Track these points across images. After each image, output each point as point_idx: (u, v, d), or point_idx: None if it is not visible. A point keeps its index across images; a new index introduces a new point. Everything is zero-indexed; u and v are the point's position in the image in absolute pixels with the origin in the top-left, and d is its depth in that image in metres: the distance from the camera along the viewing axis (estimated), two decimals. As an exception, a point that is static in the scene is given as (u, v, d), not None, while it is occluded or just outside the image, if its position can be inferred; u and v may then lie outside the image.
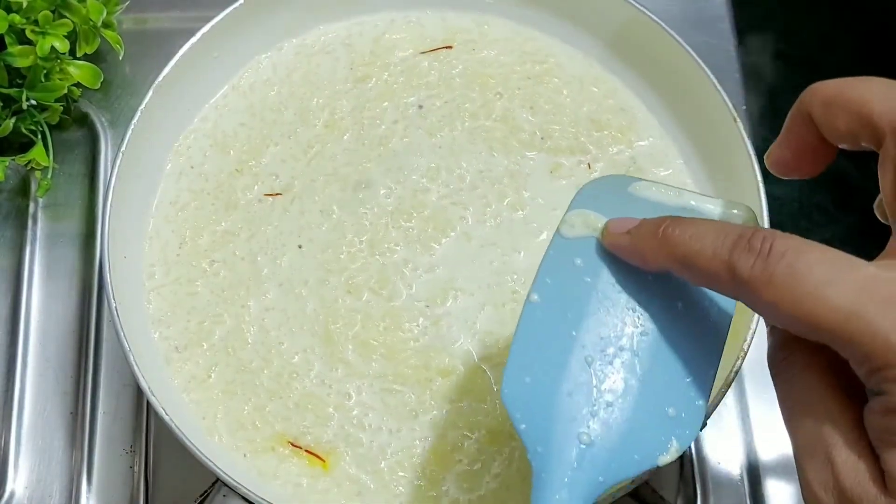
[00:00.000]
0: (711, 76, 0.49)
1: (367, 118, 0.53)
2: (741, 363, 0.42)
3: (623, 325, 0.33)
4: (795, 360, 0.28)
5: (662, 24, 0.50)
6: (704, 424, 0.32)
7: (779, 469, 0.52)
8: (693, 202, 0.35)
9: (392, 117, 0.53)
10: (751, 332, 0.43)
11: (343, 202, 0.51)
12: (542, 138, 0.52)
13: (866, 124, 0.29)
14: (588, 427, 0.31)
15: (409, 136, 0.52)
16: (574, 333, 0.32)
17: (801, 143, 0.32)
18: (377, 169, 0.51)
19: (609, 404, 0.32)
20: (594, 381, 0.32)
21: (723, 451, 0.52)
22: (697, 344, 0.33)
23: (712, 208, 0.35)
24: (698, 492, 0.51)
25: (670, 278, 0.32)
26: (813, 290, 0.25)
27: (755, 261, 0.26)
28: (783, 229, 0.38)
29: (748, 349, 0.43)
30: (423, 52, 0.55)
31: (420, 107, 0.53)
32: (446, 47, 0.55)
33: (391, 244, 0.49)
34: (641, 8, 0.51)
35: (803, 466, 0.27)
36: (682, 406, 0.32)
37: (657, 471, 0.41)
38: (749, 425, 0.53)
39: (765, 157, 0.34)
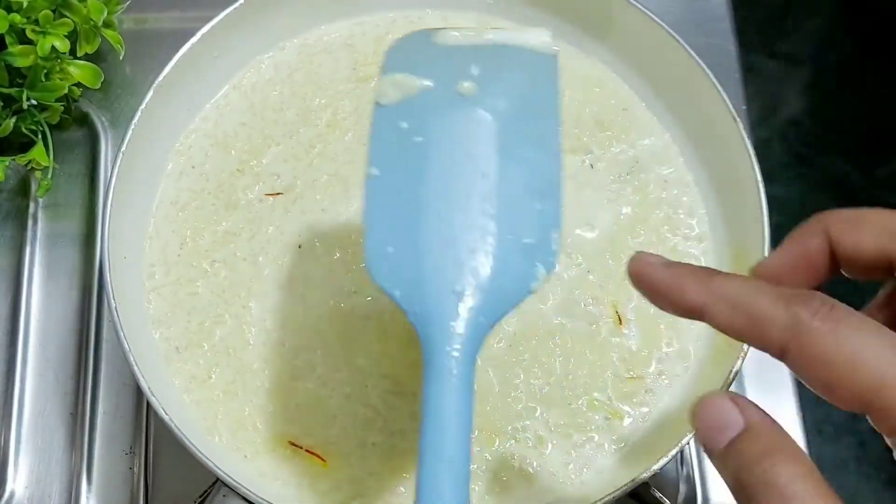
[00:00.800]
0: (711, 76, 0.49)
1: (368, 118, 0.53)
2: (741, 363, 0.43)
3: (464, 173, 0.34)
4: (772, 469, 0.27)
5: (663, 24, 0.50)
6: (559, 245, 0.33)
7: None
8: (493, 35, 0.37)
9: (393, 117, 0.53)
10: (751, 332, 0.43)
11: (346, 202, 0.51)
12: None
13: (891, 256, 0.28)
14: (456, 276, 0.33)
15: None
16: (421, 192, 0.34)
17: (803, 256, 0.30)
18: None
19: (470, 250, 0.33)
20: (452, 233, 0.33)
21: (723, 451, 0.52)
22: (537, 170, 0.34)
23: (515, 35, 0.37)
24: (698, 492, 0.51)
25: (496, 117, 0.34)
26: (874, 361, 0.25)
27: (819, 310, 0.26)
28: (783, 229, 0.38)
29: (748, 349, 0.43)
30: (424, 53, 0.55)
31: (421, 107, 0.53)
32: (447, 47, 0.55)
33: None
34: (642, 8, 0.51)
35: None
36: (539, 234, 0.33)
37: (657, 470, 0.41)
38: (749, 425, 0.53)
39: (755, 267, 0.32)
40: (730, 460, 0.28)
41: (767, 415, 0.28)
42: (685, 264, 0.30)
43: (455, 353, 0.32)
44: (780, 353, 0.27)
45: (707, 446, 0.29)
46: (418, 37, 0.39)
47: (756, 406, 0.29)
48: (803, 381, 0.27)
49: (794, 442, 0.28)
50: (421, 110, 0.35)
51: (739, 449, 0.28)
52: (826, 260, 0.30)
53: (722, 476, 0.28)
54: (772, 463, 0.27)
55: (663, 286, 0.30)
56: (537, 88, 0.36)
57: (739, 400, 0.29)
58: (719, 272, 0.29)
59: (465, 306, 0.32)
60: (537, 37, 0.37)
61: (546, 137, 0.34)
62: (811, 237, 0.30)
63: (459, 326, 0.32)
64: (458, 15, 0.56)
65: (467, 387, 0.32)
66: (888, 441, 0.26)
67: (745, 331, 0.28)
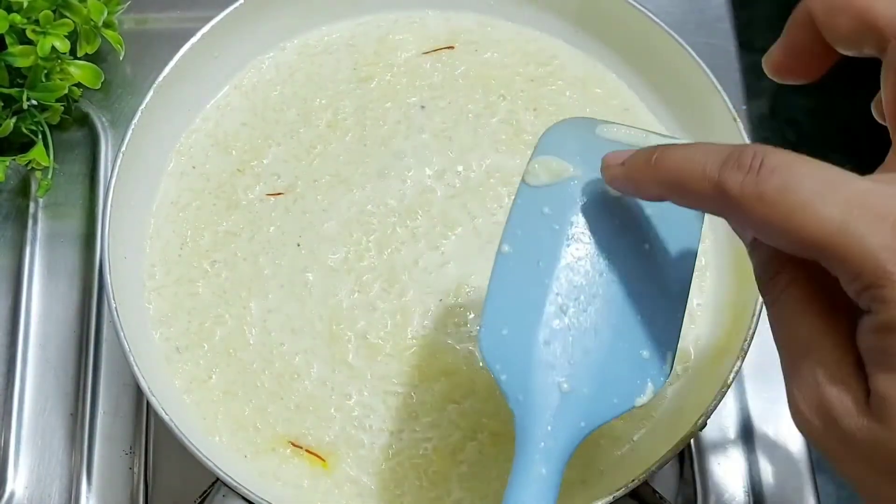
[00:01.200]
0: (711, 76, 0.49)
1: (370, 118, 0.53)
2: (741, 363, 0.43)
3: (594, 272, 0.33)
4: (781, 279, 0.27)
5: (663, 24, 0.50)
6: (672, 366, 0.33)
7: (779, 469, 0.52)
8: (656, 139, 0.36)
9: (395, 117, 0.53)
10: (750, 332, 0.43)
11: (346, 202, 0.51)
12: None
13: (869, 28, 0.28)
14: (566, 374, 0.32)
15: (412, 136, 0.52)
16: (547, 282, 0.33)
17: (801, 46, 0.31)
18: (381, 169, 0.51)
19: (585, 350, 0.32)
20: (570, 329, 0.32)
21: (723, 451, 0.52)
22: (665, 286, 0.33)
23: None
24: (698, 492, 0.51)
25: (637, 222, 0.33)
26: (803, 204, 0.24)
27: (745, 177, 0.25)
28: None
29: (748, 349, 0.43)
30: (425, 53, 0.55)
31: (423, 107, 0.53)
32: (448, 48, 0.55)
33: (398, 243, 0.49)
34: (643, 9, 0.51)
35: (789, 384, 0.27)
36: (655, 348, 0.32)
37: (657, 470, 0.41)
38: (749, 425, 0.53)
39: (763, 60, 0.33)
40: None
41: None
42: (639, 152, 0.30)
43: (548, 451, 0.31)
44: (726, 217, 0.27)
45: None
46: (582, 123, 0.38)
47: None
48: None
49: None
50: (567, 199, 0.34)
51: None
52: (819, 44, 0.30)
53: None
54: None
55: (622, 183, 0.31)
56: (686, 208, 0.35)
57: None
58: (666, 147, 0.29)
59: (569, 406, 0.32)
60: None
61: (682, 257, 0.34)
62: (803, 28, 0.30)
63: (557, 425, 0.32)
64: (459, 15, 0.56)
65: (553, 487, 0.31)
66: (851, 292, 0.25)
67: (697, 207, 0.29)
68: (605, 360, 0.32)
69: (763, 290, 0.28)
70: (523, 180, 0.35)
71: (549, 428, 0.32)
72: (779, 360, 0.28)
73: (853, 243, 0.24)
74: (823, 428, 0.25)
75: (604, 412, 0.32)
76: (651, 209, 0.34)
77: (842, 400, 0.25)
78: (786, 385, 0.27)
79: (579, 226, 0.34)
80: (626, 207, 0.34)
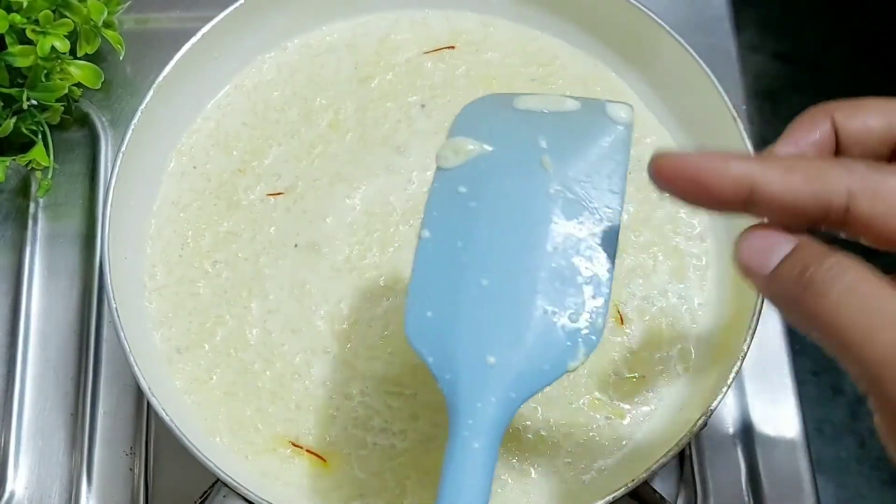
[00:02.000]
0: (711, 76, 0.49)
1: (370, 118, 0.53)
2: (741, 363, 0.43)
3: (513, 243, 0.33)
4: (833, 264, 0.26)
5: (664, 24, 0.50)
6: (604, 325, 0.33)
7: (780, 469, 0.52)
8: (571, 104, 0.36)
9: (396, 117, 0.53)
10: (751, 332, 0.43)
11: (347, 202, 0.51)
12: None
13: None
14: (492, 348, 0.32)
15: (413, 135, 0.52)
16: (466, 260, 0.33)
17: (809, 143, 0.29)
18: (382, 168, 0.51)
19: (510, 322, 0.32)
20: (491, 302, 0.32)
21: (723, 451, 0.52)
22: (589, 249, 0.33)
23: (593, 104, 0.36)
24: (698, 492, 0.51)
25: (553, 184, 0.33)
26: (865, 326, 0.25)
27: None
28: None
29: (748, 349, 0.43)
30: (426, 53, 0.55)
31: (423, 106, 0.53)
32: (449, 48, 0.55)
33: (401, 242, 0.49)
34: (643, 8, 0.51)
35: (877, 392, 0.25)
36: (583, 313, 0.32)
37: (657, 470, 0.41)
38: (749, 425, 0.53)
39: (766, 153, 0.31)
40: (783, 275, 0.27)
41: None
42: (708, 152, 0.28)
43: (480, 426, 0.31)
44: (844, 204, 0.26)
45: (752, 271, 0.28)
46: (500, 99, 0.38)
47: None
48: (866, 236, 0.27)
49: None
50: (481, 175, 0.34)
51: (793, 261, 0.27)
52: (833, 146, 0.29)
53: (773, 302, 0.28)
54: (836, 259, 0.26)
55: (698, 172, 0.27)
56: (605, 162, 0.34)
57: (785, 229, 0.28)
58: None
59: (497, 379, 0.32)
60: (617, 111, 0.35)
61: (606, 215, 0.33)
62: (817, 123, 0.29)
63: (488, 399, 0.31)
64: (460, 15, 0.56)
65: (489, 461, 0.31)
66: None
67: (805, 186, 0.26)
68: (531, 329, 0.32)
69: (811, 303, 0.27)
70: (437, 164, 0.35)
71: (479, 404, 0.31)
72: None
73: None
74: None
75: (535, 381, 0.32)
76: (570, 170, 0.34)
77: None
78: (871, 400, 0.26)
79: (496, 199, 0.34)
80: (542, 176, 0.34)
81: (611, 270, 0.33)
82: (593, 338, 0.32)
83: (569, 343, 0.32)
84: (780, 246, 0.28)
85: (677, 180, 0.28)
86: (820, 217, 0.27)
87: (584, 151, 0.34)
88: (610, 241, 0.33)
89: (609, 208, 0.33)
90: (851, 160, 0.27)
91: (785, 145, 0.29)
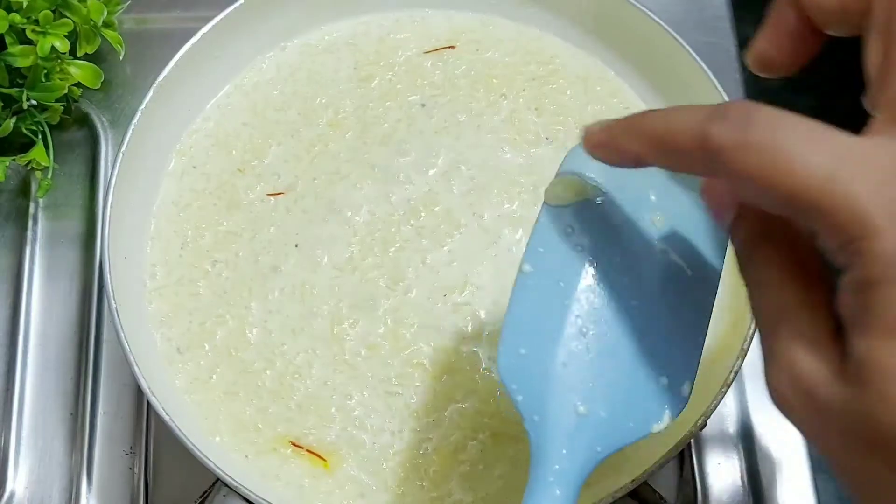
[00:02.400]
0: (711, 76, 0.49)
1: (370, 117, 0.53)
2: (741, 363, 0.43)
3: (615, 294, 0.33)
4: (760, 254, 0.27)
5: (663, 23, 0.50)
6: (691, 394, 0.32)
7: (779, 469, 0.52)
8: None
9: (396, 116, 0.53)
10: (750, 332, 0.43)
11: (347, 201, 0.51)
12: (546, 139, 0.52)
13: None
14: (583, 397, 0.32)
15: (413, 134, 0.52)
16: (567, 303, 0.32)
17: (785, 32, 0.29)
18: (383, 167, 0.51)
19: (603, 374, 0.32)
20: (588, 351, 0.32)
21: (723, 451, 0.52)
22: (687, 312, 0.33)
23: None
24: (698, 492, 0.51)
25: (662, 244, 0.32)
26: (789, 153, 0.23)
27: (730, 127, 0.25)
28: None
29: (748, 349, 0.43)
30: (426, 52, 0.55)
31: (423, 105, 0.53)
32: (449, 47, 0.55)
33: (403, 242, 0.49)
34: (643, 8, 0.51)
35: (766, 361, 0.26)
36: (674, 375, 0.32)
37: (657, 470, 0.41)
38: (749, 425, 0.53)
39: (746, 54, 0.31)
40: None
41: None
42: (620, 119, 0.29)
43: (563, 472, 0.31)
44: (710, 173, 0.26)
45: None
46: None
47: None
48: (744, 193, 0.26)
49: None
50: (592, 218, 0.33)
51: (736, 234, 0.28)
52: (805, 27, 0.29)
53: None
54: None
55: (604, 149, 0.29)
56: (711, 232, 0.33)
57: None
58: (647, 112, 0.28)
59: (585, 430, 0.31)
60: None
61: (705, 283, 0.33)
62: (786, 10, 0.29)
63: (573, 448, 0.31)
64: (460, 14, 0.56)
65: None
66: (832, 255, 0.24)
67: (680, 168, 0.27)
68: (622, 384, 0.32)
69: (744, 269, 0.28)
70: (545, 200, 0.34)
71: (565, 451, 0.31)
72: None
73: (838, 194, 0.23)
74: (800, 401, 0.25)
75: (620, 437, 0.32)
76: (677, 232, 0.33)
77: (817, 368, 0.24)
78: (763, 365, 0.26)
79: (603, 246, 0.33)
80: (653, 229, 0.33)
81: (703, 339, 0.33)
82: (679, 406, 0.32)
83: (656, 406, 0.32)
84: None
85: (598, 157, 0.30)
86: None
87: (691, 213, 0.33)
88: (706, 310, 0.33)
89: (709, 275, 0.33)
90: (716, 117, 0.25)
91: (764, 38, 0.30)
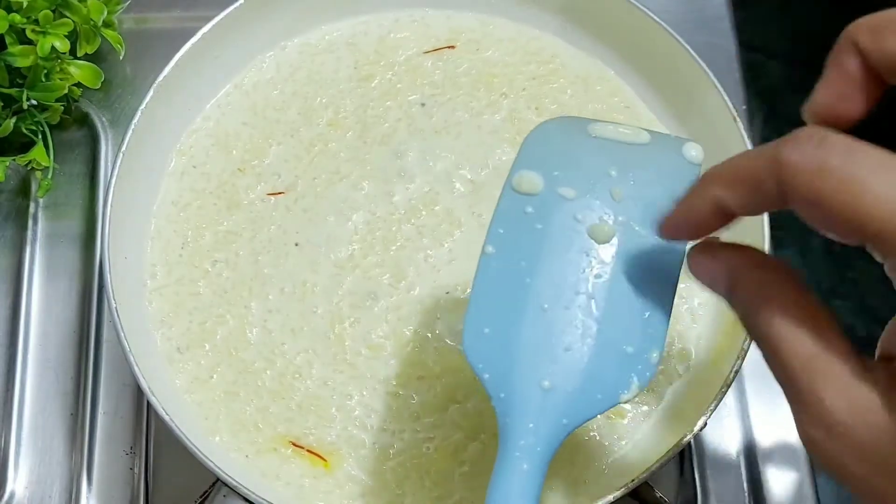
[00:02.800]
0: (711, 76, 0.49)
1: (370, 117, 0.53)
2: (741, 363, 0.43)
3: (577, 270, 0.33)
4: (768, 308, 0.27)
5: (663, 23, 0.50)
6: (659, 361, 0.33)
7: (779, 469, 0.52)
8: (647, 137, 0.36)
9: (396, 115, 0.53)
10: (751, 332, 0.43)
11: (348, 200, 0.51)
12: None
13: None
14: (549, 371, 0.32)
15: (413, 134, 0.52)
16: (529, 281, 0.33)
17: (845, 81, 0.29)
18: (383, 167, 0.51)
19: (568, 347, 0.32)
20: (552, 326, 0.32)
21: (723, 451, 0.52)
22: (651, 282, 0.33)
23: (667, 141, 0.36)
24: (698, 492, 0.51)
25: (621, 214, 0.33)
26: (864, 181, 0.24)
27: (806, 151, 0.25)
28: (783, 228, 0.38)
29: (748, 349, 0.43)
30: (426, 52, 0.55)
31: (423, 104, 0.53)
32: (449, 47, 0.55)
33: (403, 241, 0.49)
34: (643, 8, 0.51)
35: (796, 408, 0.26)
36: (640, 344, 0.32)
37: (657, 470, 0.41)
38: (749, 425, 0.53)
39: (805, 110, 0.30)
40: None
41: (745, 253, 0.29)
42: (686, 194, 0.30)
43: (529, 448, 0.31)
44: (782, 201, 0.26)
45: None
46: (568, 125, 0.37)
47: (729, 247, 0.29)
48: (814, 223, 0.26)
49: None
50: (550, 198, 0.34)
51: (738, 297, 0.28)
52: (868, 76, 0.28)
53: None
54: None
55: (688, 226, 0.30)
56: (674, 198, 0.34)
57: (716, 247, 0.29)
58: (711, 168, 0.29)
59: (550, 404, 0.32)
60: (690, 150, 0.35)
61: (670, 254, 0.33)
62: (845, 58, 0.28)
63: (539, 422, 0.32)
64: (460, 14, 0.56)
65: (535, 482, 0.31)
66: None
67: (749, 197, 0.27)
68: (588, 356, 0.32)
69: (753, 330, 0.28)
70: (508, 183, 0.35)
71: (531, 425, 0.32)
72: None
73: None
74: (841, 444, 0.25)
75: (587, 409, 0.32)
76: (639, 202, 0.34)
77: (859, 407, 0.24)
78: (793, 414, 0.26)
79: (562, 225, 0.34)
80: (613, 203, 0.34)
81: (669, 308, 0.33)
82: (647, 373, 0.32)
83: (623, 375, 0.32)
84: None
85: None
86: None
87: (654, 186, 0.34)
88: (670, 279, 0.33)
89: (673, 254, 0.33)
90: (787, 142, 0.26)
91: (823, 91, 0.29)
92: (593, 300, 0.33)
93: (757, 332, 0.27)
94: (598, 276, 0.33)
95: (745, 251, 0.29)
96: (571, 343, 0.32)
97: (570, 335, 0.32)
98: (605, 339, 0.32)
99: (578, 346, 0.32)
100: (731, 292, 0.29)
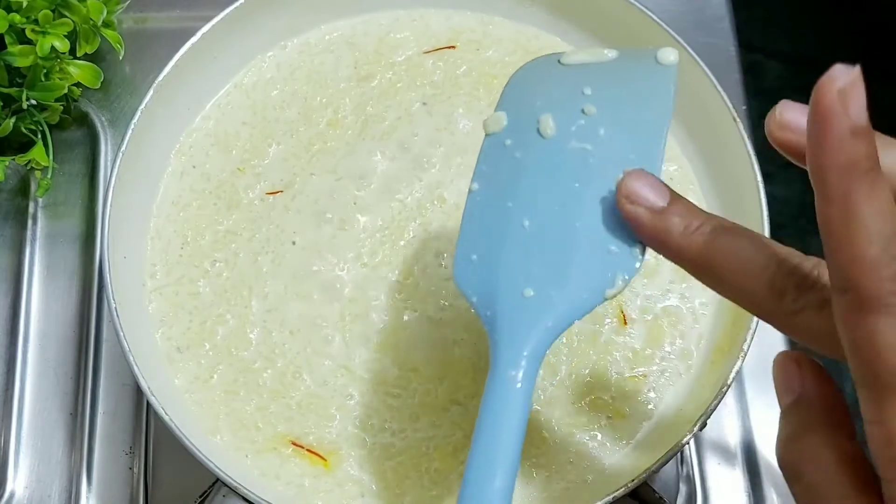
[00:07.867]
0: (711, 76, 0.49)
1: (370, 116, 0.53)
2: (741, 363, 0.43)
3: (554, 183, 0.34)
4: (806, 441, 0.28)
5: (663, 24, 0.50)
6: (643, 255, 0.33)
7: (779, 469, 0.52)
8: (617, 52, 0.37)
9: (396, 115, 0.53)
10: (751, 332, 0.43)
11: (348, 200, 0.51)
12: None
13: None
14: (531, 281, 0.33)
15: (414, 133, 0.52)
16: (511, 205, 0.34)
17: None
18: (381, 166, 0.51)
19: (551, 257, 0.33)
20: (533, 240, 0.33)
21: (723, 451, 0.52)
22: None
23: (639, 51, 0.37)
24: (698, 492, 0.51)
25: (597, 126, 0.34)
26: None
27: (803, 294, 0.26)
28: (783, 229, 0.38)
29: (748, 349, 0.43)
30: (426, 52, 0.55)
31: (424, 104, 0.53)
32: (449, 47, 0.55)
33: (404, 241, 0.49)
34: (642, 8, 0.51)
35: None
36: (623, 241, 0.32)
37: (657, 470, 0.41)
38: (749, 425, 0.53)
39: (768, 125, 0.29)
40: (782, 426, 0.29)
41: (823, 382, 0.29)
42: (679, 205, 0.30)
43: (516, 356, 0.32)
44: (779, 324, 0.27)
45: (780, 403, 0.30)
46: (542, 62, 0.39)
47: (816, 370, 0.29)
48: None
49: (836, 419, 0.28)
50: (526, 127, 0.35)
51: (787, 419, 0.29)
52: None
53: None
54: (807, 442, 0.27)
55: (647, 231, 0.31)
56: (650, 101, 0.35)
57: (804, 362, 0.29)
58: (716, 229, 0.29)
59: (534, 310, 0.32)
60: (666, 55, 0.36)
61: (648, 151, 0.33)
62: None
63: (525, 330, 0.32)
64: (460, 14, 0.56)
65: (523, 389, 0.32)
66: None
67: (733, 299, 0.28)
68: (570, 261, 0.33)
69: (786, 454, 0.28)
70: (485, 131, 0.36)
71: (516, 334, 0.32)
72: None
73: None
74: None
75: (573, 310, 0.33)
76: (614, 112, 0.34)
77: None
78: None
79: (537, 147, 0.35)
80: (586, 118, 0.34)
81: None
82: (633, 267, 0.32)
83: (609, 273, 0.32)
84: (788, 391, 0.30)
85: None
86: None
87: (629, 94, 0.35)
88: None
89: (651, 148, 0.34)
90: (788, 290, 0.27)
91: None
92: (573, 208, 0.33)
93: (788, 456, 0.28)
94: (577, 182, 0.33)
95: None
96: (553, 252, 0.33)
97: (551, 245, 0.33)
98: (588, 243, 0.33)
99: (560, 254, 0.33)
100: (790, 406, 0.29)
